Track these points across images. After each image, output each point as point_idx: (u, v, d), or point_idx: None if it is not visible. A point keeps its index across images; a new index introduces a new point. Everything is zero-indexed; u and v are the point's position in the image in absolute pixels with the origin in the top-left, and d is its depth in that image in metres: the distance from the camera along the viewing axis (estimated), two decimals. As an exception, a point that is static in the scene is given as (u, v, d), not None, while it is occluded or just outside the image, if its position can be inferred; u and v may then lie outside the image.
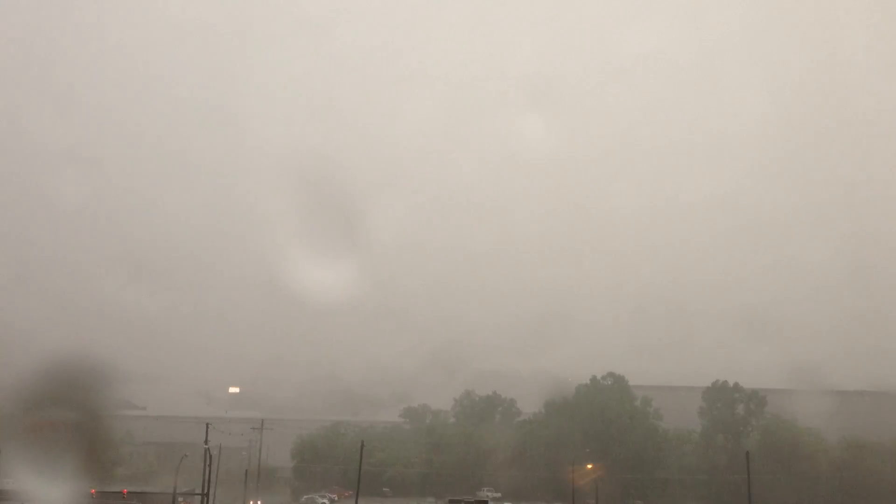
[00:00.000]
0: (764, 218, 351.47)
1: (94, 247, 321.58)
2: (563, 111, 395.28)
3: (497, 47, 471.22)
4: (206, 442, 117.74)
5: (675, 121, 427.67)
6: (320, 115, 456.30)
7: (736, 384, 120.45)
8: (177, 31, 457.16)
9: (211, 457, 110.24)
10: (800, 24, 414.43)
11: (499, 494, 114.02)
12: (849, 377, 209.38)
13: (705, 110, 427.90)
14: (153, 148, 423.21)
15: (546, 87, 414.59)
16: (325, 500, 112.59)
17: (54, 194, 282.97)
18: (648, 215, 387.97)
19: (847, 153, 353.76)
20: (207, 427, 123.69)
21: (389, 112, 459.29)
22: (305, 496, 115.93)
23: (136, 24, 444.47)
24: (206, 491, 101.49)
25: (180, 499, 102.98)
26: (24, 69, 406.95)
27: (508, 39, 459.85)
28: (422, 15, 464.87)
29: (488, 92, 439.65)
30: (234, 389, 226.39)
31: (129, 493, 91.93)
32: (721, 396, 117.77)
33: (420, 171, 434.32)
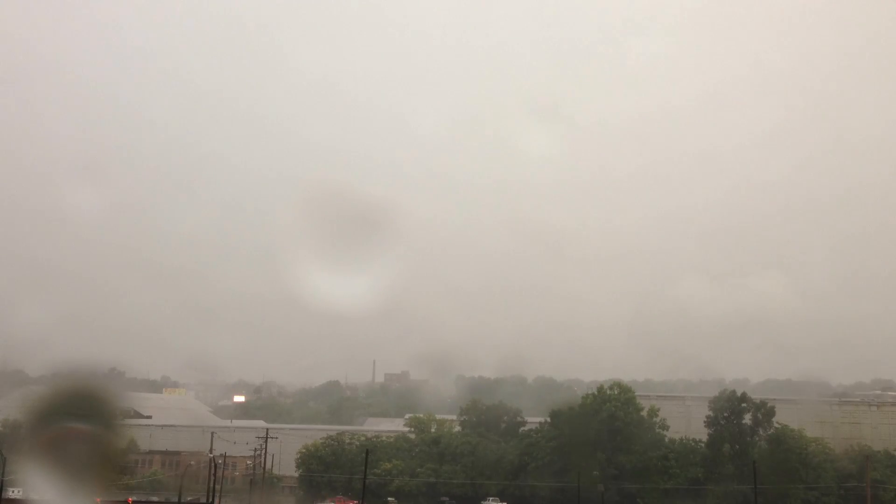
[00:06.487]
0: (763, 224, 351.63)
1: (106, 256, 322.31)
2: (568, 120, 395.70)
3: (505, 56, 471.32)
4: (211, 451, 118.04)
5: (678, 129, 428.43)
6: (334, 122, 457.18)
7: (744, 394, 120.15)
8: (194, 42, 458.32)
9: (216, 465, 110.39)
10: (803, 38, 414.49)
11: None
12: (852, 385, 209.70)
13: (708, 118, 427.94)
14: (168, 155, 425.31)
15: (551, 97, 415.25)
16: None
17: (66, 203, 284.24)
18: (651, 223, 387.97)
19: (844, 163, 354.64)
20: (213, 436, 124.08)
21: (401, 118, 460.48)
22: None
23: (152, 31, 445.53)
24: (211, 500, 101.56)
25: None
26: (41, 77, 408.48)
27: (517, 49, 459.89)
28: (435, 21, 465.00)
29: (496, 100, 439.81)
30: (239, 398, 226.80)
31: (134, 502, 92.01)
32: (728, 406, 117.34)
33: (431, 178, 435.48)
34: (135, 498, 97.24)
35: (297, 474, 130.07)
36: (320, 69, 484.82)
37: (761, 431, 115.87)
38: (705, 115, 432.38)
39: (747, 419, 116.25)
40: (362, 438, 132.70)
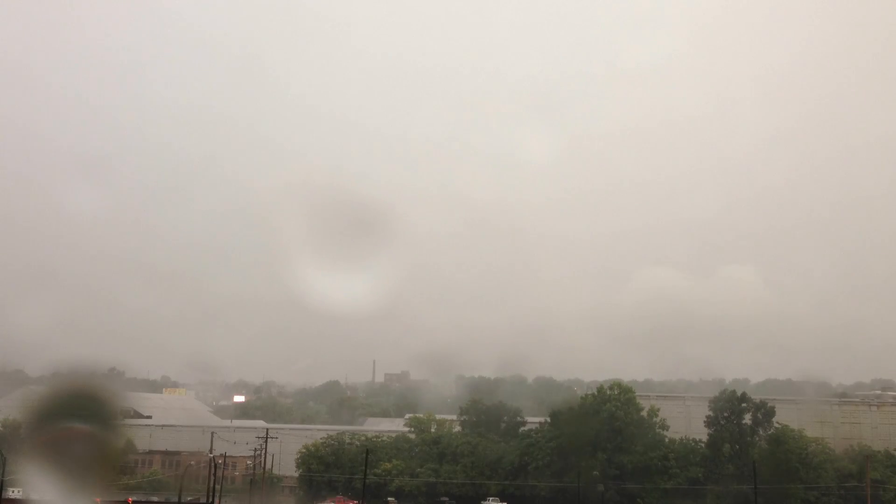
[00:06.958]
0: (764, 227, 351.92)
1: (106, 258, 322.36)
2: (567, 124, 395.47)
3: (502, 55, 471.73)
4: (211, 451, 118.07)
5: (680, 135, 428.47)
6: (335, 126, 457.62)
7: (744, 394, 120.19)
8: (195, 41, 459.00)
9: (216, 465, 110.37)
10: (806, 43, 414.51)
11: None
12: (852, 385, 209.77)
13: (711, 123, 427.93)
14: (167, 157, 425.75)
15: (550, 100, 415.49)
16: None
17: (67, 203, 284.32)
18: (653, 226, 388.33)
19: (845, 167, 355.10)
20: (213, 436, 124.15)
21: (399, 119, 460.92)
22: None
23: (152, 33, 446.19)
24: (211, 500, 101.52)
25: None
26: (41, 77, 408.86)
27: (515, 47, 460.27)
28: (432, 20, 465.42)
29: (494, 103, 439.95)
30: (239, 398, 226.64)
31: (134, 502, 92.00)
32: (728, 406, 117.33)
33: (429, 182, 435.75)
34: (135, 498, 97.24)
35: (297, 474, 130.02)
36: (317, 77, 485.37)
37: (761, 431, 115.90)
38: (709, 120, 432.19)
39: (747, 419, 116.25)
40: (362, 438, 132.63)
